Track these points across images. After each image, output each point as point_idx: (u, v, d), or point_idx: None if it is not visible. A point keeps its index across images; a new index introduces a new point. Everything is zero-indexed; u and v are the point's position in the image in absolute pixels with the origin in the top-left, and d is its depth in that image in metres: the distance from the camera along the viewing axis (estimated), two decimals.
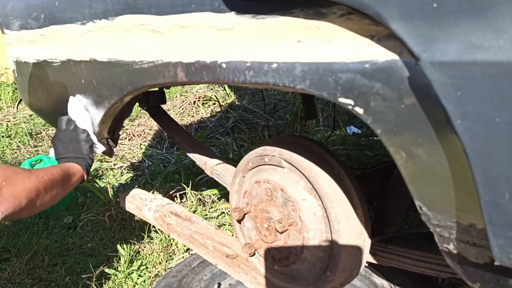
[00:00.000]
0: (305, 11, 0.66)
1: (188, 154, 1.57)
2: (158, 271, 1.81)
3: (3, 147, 3.33)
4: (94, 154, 1.30)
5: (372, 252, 1.06)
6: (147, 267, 1.84)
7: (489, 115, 0.48)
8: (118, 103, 1.17)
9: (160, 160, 2.98)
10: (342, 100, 0.64)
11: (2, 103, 4.44)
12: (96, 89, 1.20)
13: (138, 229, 2.11)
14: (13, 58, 1.53)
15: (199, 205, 2.24)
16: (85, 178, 1.24)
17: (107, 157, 3.03)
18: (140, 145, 3.28)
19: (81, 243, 2.09)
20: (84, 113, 1.27)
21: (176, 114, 3.69)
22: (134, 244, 1.98)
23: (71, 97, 1.29)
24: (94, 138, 1.29)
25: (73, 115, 1.28)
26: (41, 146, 3.38)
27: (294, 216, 0.98)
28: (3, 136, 3.50)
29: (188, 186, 2.25)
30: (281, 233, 1.01)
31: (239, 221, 1.18)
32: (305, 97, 1.72)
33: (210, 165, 1.45)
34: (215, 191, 2.26)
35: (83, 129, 1.26)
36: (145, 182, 2.63)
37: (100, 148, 1.32)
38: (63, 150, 1.24)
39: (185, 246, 1.91)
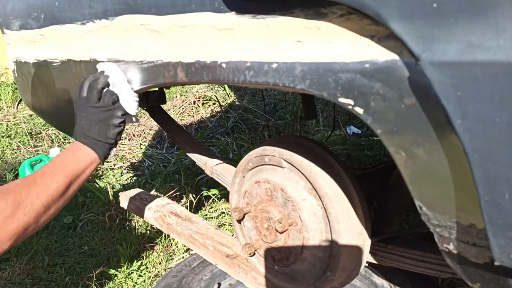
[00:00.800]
0: (305, 11, 0.66)
1: (188, 154, 1.57)
2: (158, 271, 1.81)
3: (3, 147, 3.33)
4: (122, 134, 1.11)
5: (372, 252, 1.06)
6: (147, 267, 1.84)
7: (489, 115, 0.48)
8: None
9: (160, 160, 2.98)
10: (342, 100, 0.64)
11: (2, 103, 4.44)
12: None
13: (138, 229, 2.11)
14: (13, 58, 1.53)
15: (199, 205, 2.24)
16: (102, 164, 1.07)
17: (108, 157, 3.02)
18: (140, 145, 3.28)
19: (81, 243, 2.09)
20: (128, 86, 1.06)
21: (176, 114, 3.69)
22: (134, 244, 1.98)
23: (108, 64, 1.08)
24: (133, 112, 1.09)
25: (116, 87, 1.06)
26: (41, 146, 3.38)
27: (294, 216, 0.98)
28: (3, 136, 3.50)
29: (188, 186, 2.25)
30: (281, 233, 1.01)
31: (239, 221, 1.18)
32: (305, 97, 1.72)
33: (210, 165, 1.45)
34: (215, 191, 2.27)
35: (120, 113, 1.05)
36: (145, 182, 2.63)
37: (134, 120, 1.12)
38: (88, 127, 1.03)
39: (185, 246, 1.91)
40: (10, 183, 0.90)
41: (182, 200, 2.24)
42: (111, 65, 1.07)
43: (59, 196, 0.95)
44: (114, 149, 1.21)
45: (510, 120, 0.47)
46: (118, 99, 1.05)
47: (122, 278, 1.78)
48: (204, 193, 2.28)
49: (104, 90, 1.05)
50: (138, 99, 1.08)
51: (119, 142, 1.14)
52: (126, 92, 1.06)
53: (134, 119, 1.11)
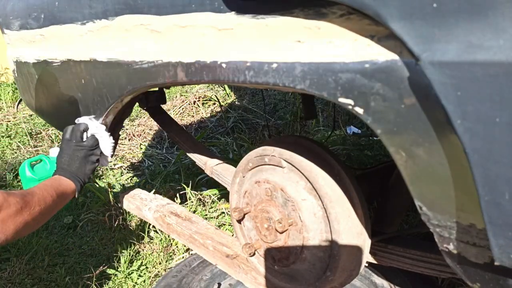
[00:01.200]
0: (305, 11, 0.66)
1: (188, 154, 1.57)
2: (158, 271, 1.81)
3: (3, 147, 3.33)
4: (94, 172, 1.32)
5: (372, 252, 1.06)
6: (147, 267, 1.84)
7: (489, 115, 0.48)
8: (118, 103, 1.17)
9: (160, 160, 2.98)
10: (342, 100, 0.64)
11: (2, 103, 4.44)
12: (96, 89, 1.20)
13: (138, 229, 2.11)
14: (13, 58, 1.53)
15: (199, 205, 2.24)
16: (76, 196, 1.24)
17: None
18: (140, 145, 3.28)
19: (81, 243, 2.09)
20: (106, 136, 1.27)
21: (176, 114, 3.69)
22: (134, 244, 1.98)
23: (86, 120, 1.26)
24: (109, 154, 1.30)
25: (96, 134, 1.27)
26: (41, 146, 3.38)
27: (294, 216, 0.98)
28: (3, 136, 3.50)
29: (188, 186, 2.25)
30: (281, 233, 1.01)
31: (239, 221, 1.18)
32: (305, 97, 1.72)
33: (210, 165, 1.45)
34: (215, 191, 2.26)
35: (99, 153, 1.28)
36: (145, 182, 2.63)
37: (106, 162, 1.33)
38: (68, 162, 1.23)
39: (185, 246, 1.91)
40: (13, 191, 1.01)
41: (182, 200, 2.24)
42: (86, 119, 1.26)
43: (50, 208, 1.09)
44: (111, 159, 1.36)
45: (510, 120, 0.47)
46: (98, 143, 1.27)
47: (122, 278, 1.78)
48: (204, 193, 2.28)
49: (89, 134, 1.26)
50: (114, 144, 1.30)
51: (118, 142, 1.29)
52: (105, 138, 1.27)
53: (106, 161, 1.32)
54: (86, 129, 1.26)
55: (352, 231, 0.94)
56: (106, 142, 1.28)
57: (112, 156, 1.31)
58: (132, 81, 1.05)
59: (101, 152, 1.29)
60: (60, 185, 1.17)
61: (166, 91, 1.81)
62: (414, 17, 0.52)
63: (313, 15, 0.65)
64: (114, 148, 1.31)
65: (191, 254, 1.79)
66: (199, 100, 3.80)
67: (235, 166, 1.20)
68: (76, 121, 1.28)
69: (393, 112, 0.59)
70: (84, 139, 1.26)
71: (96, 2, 1.05)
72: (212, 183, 2.29)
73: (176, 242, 1.96)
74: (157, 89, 1.55)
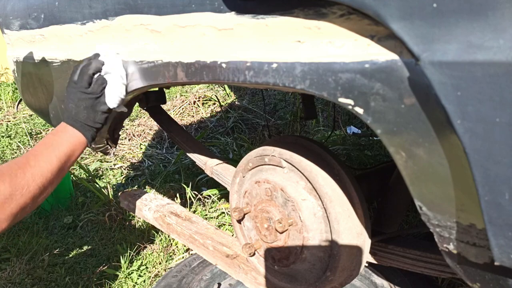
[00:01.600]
0: (305, 11, 0.66)
1: (188, 154, 1.57)
2: (158, 271, 1.81)
3: (3, 147, 3.33)
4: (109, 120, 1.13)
5: (372, 252, 1.06)
6: (147, 267, 1.84)
7: (489, 115, 0.48)
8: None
9: (160, 160, 2.98)
10: (342, 100, 0.64)
11: (2, 103, 4.44)
12: None
13: (138, 229, 2.11)
14: (13, 58, 1.53)
15: (199, 205, 2.24)
16: (89, 146, 1.09)
17: (107, 157, 3.03)
18: (140, 145, 3.28)
19: (81, 243, 2.09)
20: (123, 73, 1.04)
21: (176, 114, 3.69)
22: (134, 244, 1.98)
23: (104, 48, 1.06)
24: (112, 104, 1.07)
25: (108, 75, 1.05)
26: None
27: (294, 216, 0.98)
28: (3, 136, 3.50)
29: (188, 186, 2.25)
30: (281, 233, 1.01)
31: (239, 221, 1.18)
32: (305, 97, 1.72)
33: (210, 165, 1.45)
34: (215, 191, 2.27)
35: (110, 99, 1.05)
36: (145, 182, 2.63)
37: (124, 110, 1.11)
38: (75, 110, 1.04)
39: (185, 246, 1.91)
40: (3, 165, 0.90)
41: (182, 200, 2.24)
42: (109, 52, 1.06)
43: (53, 177, 0.96)
44: (114, 149, 1.21)
45: (510, 120, 0.47)
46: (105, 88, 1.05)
47: (122, 278, 1.78)
48: (204, 193, 2.28)
49: (96, 76, 1.04)
50: (123, 95, 1.06)
51: (118, 142, 1.16)
52: (115, 84, 1.04)
53: (120, 108, 1.08)
54: (97, 71, 1.04)
55: (352, 231, 0.94)
56: (114, 90, 1.05)
57: (119, 105, 1.07)
58: (132, 81, 1.05)
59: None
60: (65, 139, 1.02)
61: (166, 91, 1.81)
62: (414, 17, 0.52)
63: (313, 15, 0.65)
64: (121, 101, 1.08)
65: (191, 254, 1.80)
66: (199, 100, 3.80)
67: (235, 166, 1.20)
68: (96, 48, 1.09)
69: (393, 112, 0.59)
70: (93, 82, 1.04)
71: (96, 2, 1.05)
72: (212, 183, 2.29)
73: (176, 242, 1.96)
74: (157, 89, 1.55)
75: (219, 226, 2.07)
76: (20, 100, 4.29)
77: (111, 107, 1.06)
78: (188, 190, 2.24)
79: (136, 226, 2.15)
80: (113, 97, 1.05)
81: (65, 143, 1.01)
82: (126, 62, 1.05)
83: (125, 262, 1.84)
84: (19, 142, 3.40)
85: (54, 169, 0.97)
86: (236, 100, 3.84)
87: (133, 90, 1.05)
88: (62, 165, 0.99)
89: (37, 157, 0.95)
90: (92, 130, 1.06)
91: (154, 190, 2.47)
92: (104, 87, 1.05)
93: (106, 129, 1.18)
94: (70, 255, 1.99)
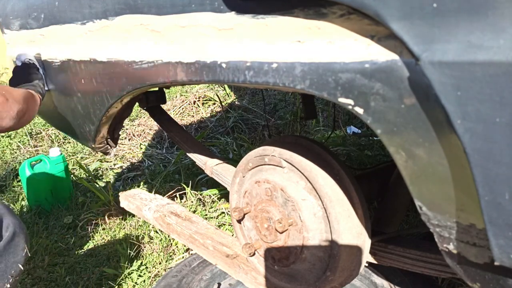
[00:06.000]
0: (305, 11, 0.66)
1: (188, 154, 1.57)
2: (158, 271, 1.81)
3: (3, 147, 3.33)
4: (45, 86, 1.41)
5: (372, 252, 1.06)
6: (147, 267, 1.84)
7: (489, 115, 0.48)
8: (117, 103, 1.17)
9: (160, 160, 2.98)
10: (342, 100, 0.64)
11: None
12: (96, 89, 1.20)
13: (138, 229, 2.11)
14: (13, 58, 1.53)
15: (199, 205, 2.24)
16: (41, 101, 1.34)
17: (107, 157, 3.03)
18: (140, 145, 3.28)
19: (81, 243, 2.09)
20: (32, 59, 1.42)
21: (176, 114, 3.69)
22: (134, 244, 1.98)
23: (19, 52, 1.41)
24: (41, 70, 1.41)
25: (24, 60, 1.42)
26: (41, 146, 3.38)
27: (294, 216, 0.98)
28: (3, 136, 3.50)
29: (188, 186, 2.25)
30: (281, 233, 1.01)
31: (239, 221, 1.18)
32: (305, 97, 1.72)
33: (210, 165, 1.45)
34: (215, 191, 2.26)
35: (34, 67, 1.39)
36: (145, 182, 2.63)
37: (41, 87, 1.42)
38: (17, 81, 1.34)
39: (185, 246, 1.91)
40: None
41: (182, 200, 2.24)
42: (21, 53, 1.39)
43: (29, 106, 1.22)
44: (114, 149, 1.28)
45: (510, 120, 0.47)
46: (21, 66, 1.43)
47: (122, 278, 1.78)
48: (204, 193, 2.28)
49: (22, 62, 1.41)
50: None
51: (118, 142, 1.34)
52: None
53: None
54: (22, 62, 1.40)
55: (352, 231, 0.94)
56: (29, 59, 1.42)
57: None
58: (132, 81, 1.05)
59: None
60: (22, 91, 1.25)
61: (166, 91, 1.81)
62: (414, 17, 0.52)
63: (313, 15, 0.65)
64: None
65: (191, 254, 1.79)
66: (199, 100, 3.80)
67: (235, 166, 1.20)
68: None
69: (393, 112, 0.59)
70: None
71: (96, 2, 1.05)
72: (212, 183, 2.29)
73: (176, 242, 1.96)
74: (157, 89, 1.55)
75: (219, 226, 2.07)
76: None
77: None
78: (188, 190, 2.24)
79: (136, 226, 2.15)
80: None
81: (23, 91, 1.27)
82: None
83: (125, 262, 1.84)
84: (19, 142, 3.40)
85: (30, 98, 1.24)
86: (236, 100, 3.84)
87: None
88: (30, 100, 1.24)
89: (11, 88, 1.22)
90: (36, 88, 1.33)
91: (154, 190, 2.47)
92: (27, 64, 1.41)
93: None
94: (70, 255, 1.99)
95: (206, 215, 2.17)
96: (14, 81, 1.37)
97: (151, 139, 3.37)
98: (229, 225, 2.06)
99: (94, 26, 1.09)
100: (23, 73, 1.39)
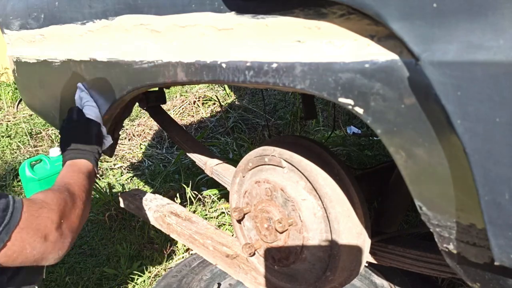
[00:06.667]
0: (305, 11, 0.66)
1: (188, 154, 1.57)
2: (158, 271, 1.81)
3: (3, 147, 3.32)
4: (102, 147, 1.22)
5: (372, 252, 1.06)
6: (147, 267, 1.84)
7: (489, 115, 0.48)
8: (118, 103, 1.17)
9: (160, 160, 2.98)
10: (342, 100, 0.64)
11: (2, 103, 4.44)
12: (96, 89, 1.20)
13: (138, 229, 2.11)
14: (13, 58, 1.53)
15: (199, 205, 2.24)
16: (96, 173, 1.15)
17: (107, 157, 3.03)
18: (140, 145, 3.28)
19: (81, 243, 2.09)
20: (93, 103, 1.20)
21: (176, 114, 3.69)
22: (134, 244, 1.98)
23: (79, 85, 1.22)
24: (104, 130, 1.21)
25: (83, 105, 1.20)
26: (41, 146, 3.38)
27: (294, 216, 0.98)
28: (3, 136, 3.50)
29: (188, 186, 2.25)
30: (281, 233, 1.01)
31: (239, 221, 1.18)
32: (305, 97, 1.72)
33: (210, 165, 1.45)
34: (215, 191, 2.26)
35: (95, 122, 1.17)
36: (145, 182, 2.63)
37: (108, 141, 1.23)
38: (72, 141, 1.12)
39: (185, 246, 1.91)
40: (50, 188, 0.95)
41: (182, 200, 2.24)
42: (80, 88, 1.21)
43: (89, 194, 1.04)
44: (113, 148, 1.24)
45: (510, 120, 0.47)
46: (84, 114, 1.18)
47: (122, 278, 1.78)
48: (204, 193, 2.28)
49: (78, 110, 1.18)
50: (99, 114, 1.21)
51: (118, 142, 1.25)
52: (90, 107, 1.19)
53: (107, 139, 1.23)
54: (79, 110, 1.19)
55: (352, 231, 0.94)
56: (93, 108, 1.19)
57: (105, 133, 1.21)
58: (132, 81, 1.05)
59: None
60: (80, 167, 1.08)
61: (166, 91, 1.81)
62: (414, 17, 0.52)
63: (313, 15, 0.65)
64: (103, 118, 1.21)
65: (191, 254, 1.79)
66: (199, 100, 3.80)
67: (235, 166, 1.20)
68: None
69: (393, 112, 0.59)
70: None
71: (96, 2, 1.05)
72: (212, 183, 2.29)
73: (176, 242, 1.96)
74: (157, 89, 1.55)
75: (219, 226, 2.07)
76: (20, 100, 4.29)
77: (99, 121, 1.19)
78: (188, 190, 2.24)
79: (136, 226, 2.15)
80: (96, 116, 1.19)
81: (80, 168, 1.08)
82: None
83: (125, 262, 1.84)
84: (19, 142, 3.40)
85: (88, 185, 1.04)
86: (236, 100, 3.84)
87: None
88: (90, 183, 1.06)
89: (67, 177, 1.02)
90: (93, 155, 1.13)
91: (154, 190, 2.47)
92: (86, 116, 1.17)
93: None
94: (70, 255, 1.98)
95: (206, 215, 2.17)
96: (68, 141, 1.13)
97: (151, 139, 3.37)
98: (229, 225, 2.06)
99: (94, 26, 1.09)
100: (82, 130, 1.15)
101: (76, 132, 1.14)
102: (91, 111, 1.18)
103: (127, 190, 2.42)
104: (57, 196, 0.90)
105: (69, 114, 1.18)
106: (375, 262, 1.08)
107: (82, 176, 1.04)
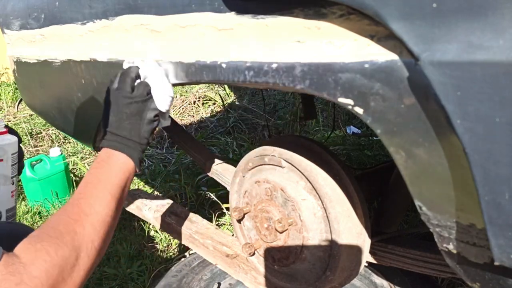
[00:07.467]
0: (305, 11, 0.66)
1: (188, 154, 1.57)
2: (158, 271, 1.81)
3: None
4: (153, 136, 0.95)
5: (372, 252, 1.06)
6: (147, 267, 1.84)
7: (489, 115, 0.48)
8: None
9: (160, 160, 2.98)
10: (342, 100, 0.64)
11: (2, 103, 4.44)
12: (96, 89, 1.20)
13: (138, 229, 2.11)
14: (13, 58, 1.53)
15: (199, 205, 2.24)
16: (138, 171, 0.91)
17: None
18: None
19: None
20: (162, 78, 0.92)
21: (176, 114, 3.69)
22: (134, 244, 1.98)
23: (138, 62, 0.95)
24: (163, 108, 0.92)
25: (148, 78, 0.92)
26: (41, 146, 3.38)
27: (294, 216, 0.98)
28: None
29: (188, 186, 2.25)
30: (281, 232, 1.01)
31: (239, 221, 1.18)
32: (305, 97, 1.72)
33: (210, 165, 1.45)
34: (215, 191, 2.27)
35: (155, 106, 0.90)
36: (145, 182, 2.63)
37: (167, 121, 0.95)
38: (116, 125, 0.87)
39: (185, 246, 1.91)
40: (55, 220, 0.73)
41: (182, 200, 2.24)
42: (137, 60, 0.95)
43: (113, 220, 0.82)
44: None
45: (510, 120, 0.47)
46: (151, 92, 0.90)
47: (122, 278, 1.78)
48: (204, 193, 2.28)
49: (137, 81, 0.90)
50: (172, 95, 0.93)
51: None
52: (159, 84, 0.90)
53: (166, 118, 0.94)
54: (138, 76, 0.91)
55: (352, 231, 0.94)
56: (161, 91, 0.90)
57: (168, 111, 0.93)
58: None
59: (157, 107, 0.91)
60: (112, 170, 0.84)
61: None
62: (414, 17, 0.52)
63: (313, 15, 0.65)
64: (171, 101, 0.94)
65: (191, 254, 1.79)
66: (199, 100, 3.80)
67: (235, 166, 1.20)
68: (124, 65, 0.96)
69: (393, 112, 0.59)
70: (136, 87, 0.89)
71: (96, 2, 1.05)
72: (212, 183, 2.29)
73: (176, 242, 1.96)
74: None
75: (219, 226, 2.07)
76: (21, 100, 4.29)
77: (163, 109, 0.91)
78: (188, 190, 2.24)
79: (136, 226, 2.15)
80: (162, 99, 0.91)
81: (114, 174, 0.84)
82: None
83: (125, 262, 1.84)
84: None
85: (112, 210, 0.81)
86: (236, 100, 3.84)
87: None
88: (119, 201, 0.83)
89: (89, 201, 0.77)
90: (137, 149, 0.88)
91: (154, 190, 2.47)
92: (149, 91, 0.90)
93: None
94: None
95: (206, 215, 2.17)
96: (113, 122, 0.88)
97: (151, 139, 3.37)
98: (229, 225, 2.06)
99: (94, 26, 1.09)
100: (134, 111, 0.87)
101: (128, 112, 0.87)
102: (160, 92, 0.91)
103: None
104: (52, 257, 0.64)
105: (124, 82, 0.89)
106: (375, 262, 1.08)
107: (110, 189, 0.81)
